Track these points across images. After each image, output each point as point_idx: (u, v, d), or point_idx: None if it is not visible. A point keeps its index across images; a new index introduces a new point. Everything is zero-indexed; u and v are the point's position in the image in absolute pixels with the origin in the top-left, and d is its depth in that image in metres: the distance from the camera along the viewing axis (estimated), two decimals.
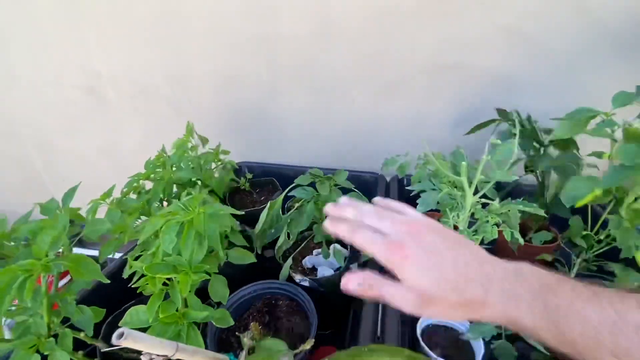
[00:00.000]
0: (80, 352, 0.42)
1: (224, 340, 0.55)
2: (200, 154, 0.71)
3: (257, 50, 0.99)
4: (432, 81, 0.93)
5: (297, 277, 0.63)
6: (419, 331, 0.57)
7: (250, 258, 0.50)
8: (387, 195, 0.94)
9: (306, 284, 0.62)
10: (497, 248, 0.80)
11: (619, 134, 0.52)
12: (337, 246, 0.70)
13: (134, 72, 1.13)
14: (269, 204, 0.59)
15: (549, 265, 0.69)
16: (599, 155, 0.58)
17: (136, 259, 0.51)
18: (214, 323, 0.43)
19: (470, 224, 0.55)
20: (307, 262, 0.71)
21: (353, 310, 0.63)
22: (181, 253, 0.40)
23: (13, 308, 0.36)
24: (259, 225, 0.59)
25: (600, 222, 0.63)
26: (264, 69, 1.01)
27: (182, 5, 0.97)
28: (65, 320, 0.41)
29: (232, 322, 0.43)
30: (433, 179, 0.65)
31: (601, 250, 0.61)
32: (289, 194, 0.62)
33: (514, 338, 0.51)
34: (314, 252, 0.73)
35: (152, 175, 0.67)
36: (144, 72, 1.12)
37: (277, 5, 0.91)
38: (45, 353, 0.37)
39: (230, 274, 0.56)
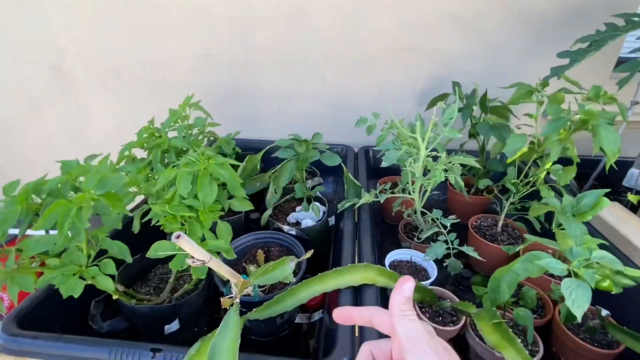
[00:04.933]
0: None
1: (225, 283, 0.64)
2: (190, 124, 0.77)
3: (232, 30, 1.05)
4: (392, 61, 1.05)
5: (285, 228, 0.73)
6: (386, 264, 0.70)
7: (249, 206, 0.59)
8: (355, 163, 1.06)
9: (294, 232, 0.73)
10: (449, 201, 0.96)
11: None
12: (317, 203, 0.81)
13: (103, 49, 1.12)
14: (247, 157, 0.69)
15: (490, 211, 0.86)
16: (530, 116, 0.74)
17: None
18: (224, 255, 0.52)
19: (425, 174, 0.69)
20: (291, 218, 0.82)
21: (333, 251, 0.75)
22: (197, 196, 0.49)
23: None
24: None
25: (523, 173, 0.79)
26: (239, 48, 1.07)
27: None
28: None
29: (234, 256, 0.52)
30: (395, 141, 0.78)
31: (523, 194, 0.78)
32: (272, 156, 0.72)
33: (459, 257, 0.66)
34: (297, 209, 0.83)
35: (145, 144, 0.72)
36: (114, 50, 1.12)
37: None
38: (88, 280, 0.44)
39: None
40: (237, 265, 0.67)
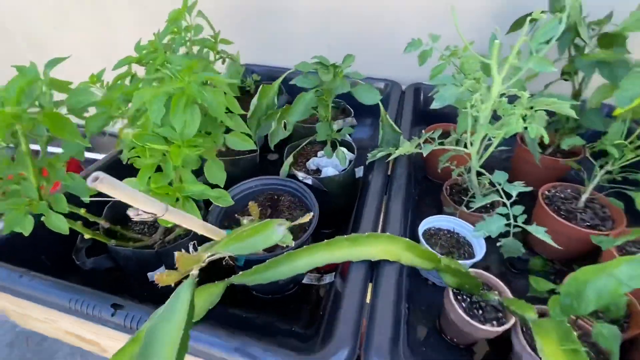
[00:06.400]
0: (79, 222, 0.42)
1: (225, 228, 0.55)
2: (196, 39, 0.63)
3: None
4: None
5: (300, 175, 0.61)
6: (420, 231, 0.56)
7: (250, 144, 0.47)
8: (400, 104, 0.87)
9: (309, 182, 0.60)
10: (515, 161, 0.76)
11: None
12: (343, 149, 0.66)
13: None
14: (260, 88, 0.54)
15: (569, 180, 0.66)
16: None
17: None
18: (213, 201, 0.41)
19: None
20: (312, 164, 0.69)
21: (356, 208, 0.62)
22: (173, 125, 0.37)
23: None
24: (250, 113, 0.54)
25: (636, 133, 0.56)
26: None
27: None
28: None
29: (231, 202, 0.42)
30: (457, 74, 0.57)
31: (628, 162, 0.56)
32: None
33: (522, 237, 0.49)
34: (319, 154, 0.70)
35: (142, 60, 0.60)
36: None
37: None
38: (40, 217, 0.37)
39: (235, 174, 0.54)
40: (242, 214, 0.57)
